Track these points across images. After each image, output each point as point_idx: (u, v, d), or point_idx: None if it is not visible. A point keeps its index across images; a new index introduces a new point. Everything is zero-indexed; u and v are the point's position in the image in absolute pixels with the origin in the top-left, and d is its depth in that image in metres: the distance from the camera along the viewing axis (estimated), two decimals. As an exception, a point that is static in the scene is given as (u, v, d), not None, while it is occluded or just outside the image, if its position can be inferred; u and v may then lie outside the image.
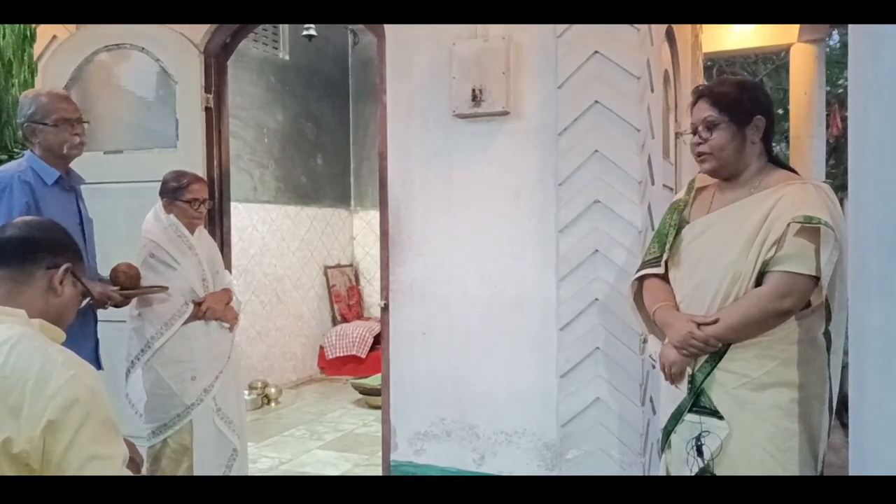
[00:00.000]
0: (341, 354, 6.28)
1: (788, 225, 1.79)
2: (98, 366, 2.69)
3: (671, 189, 3.94)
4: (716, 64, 8.58)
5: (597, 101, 2.74)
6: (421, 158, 3.11)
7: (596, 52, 2.73)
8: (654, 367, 2.92)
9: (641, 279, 2.10)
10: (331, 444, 4.35)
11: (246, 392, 5.38)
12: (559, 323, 2.85)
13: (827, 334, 1.87)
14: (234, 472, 3.12)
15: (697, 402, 1.90)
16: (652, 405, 2.92)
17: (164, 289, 2.89)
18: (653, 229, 2.91)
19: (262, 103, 5.76)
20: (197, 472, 2.98)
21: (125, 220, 3.54)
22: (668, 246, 2.00)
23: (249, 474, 3.80)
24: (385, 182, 3.20)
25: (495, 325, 3.01)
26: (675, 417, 1.95)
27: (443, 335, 3.10)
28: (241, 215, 5.53)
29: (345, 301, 6.73)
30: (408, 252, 3.16)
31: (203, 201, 3.00)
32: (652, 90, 2.90)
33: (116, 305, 2.80)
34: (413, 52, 3.08)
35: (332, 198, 6.63)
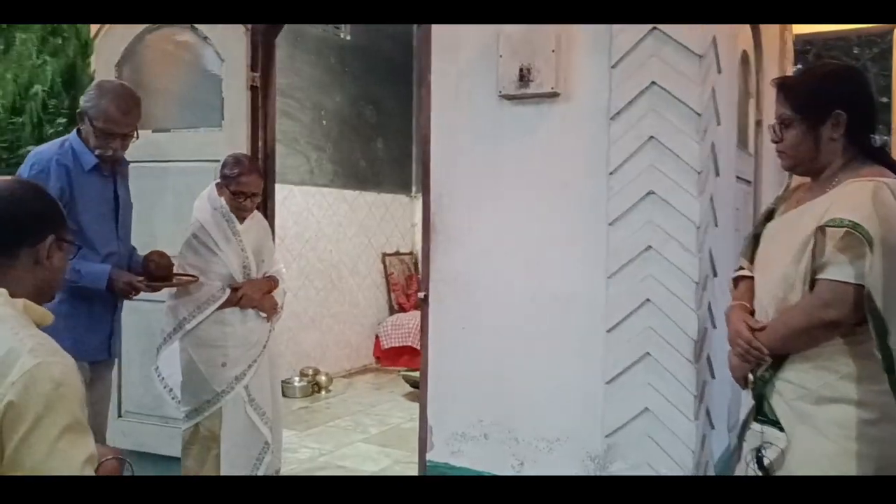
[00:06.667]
0: (396, 345, 6.15)
1: (824, 228, 1.66)
2: (108, 354, 2.64)
3: (748, 182, 3.63)
4: (813, 48, 8.01)
5: (654, 82, 2.48)
6: (465, 143, 2.92)
7: (654, 27, 2.47)
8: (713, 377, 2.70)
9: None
10: (374, 438, 4.24)
11: (296, 379, 5.35)
12: (607, 324, 2.62)
13: (886, 351, 1.63)
14: (264, 467, 3.04)
15: (760, 411, 1.81)
16: (709, 420, 2.66)
17: (195, 279, 2.82)
18: (716, 224, 2.66)
19: (321, 84, 5.67)
20: (224, 463, 2.92)
21: (172, 198, 3.53)
22: (750, 247, 1.95)
23: (289, 465, 3.74)
24: (428, 167, 3.03)
25: (539, 323, 2.80)
26: (744, 425, 1.87)
27: (484, 331, 2.91)
28: (297, 199, 5.48)
29: (402, 290, 6.61)
30: (450, 241, 2.98)
31: (250, 196, 2.91)
32: (719, 71, 2.62)
33: (151, 291, 2.77)
34: (459, 29, 2.88)
35: (393, 183, 6.51)
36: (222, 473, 2.93)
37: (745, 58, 3.40)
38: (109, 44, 3.71)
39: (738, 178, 3.35)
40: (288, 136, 5.37)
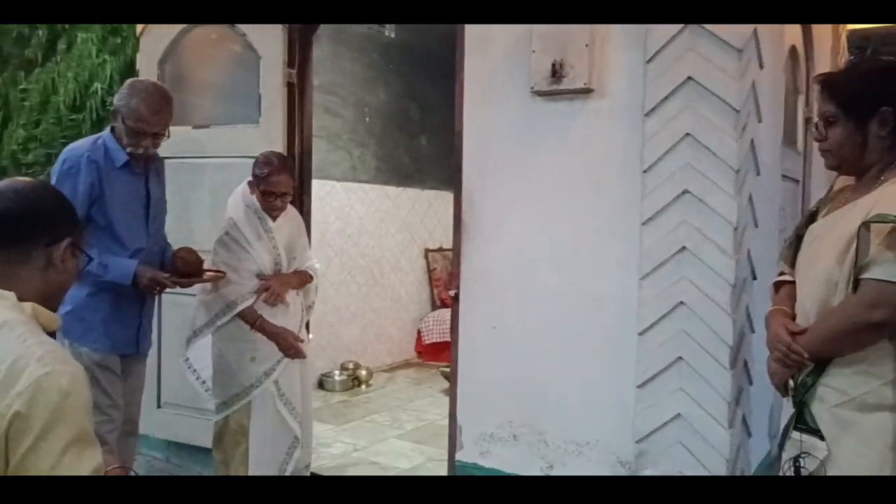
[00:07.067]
0: (438, 340, 6.12)
1: (868, 225, 1.59)
2: (136, 350, 2.68)
3: (796, 181, 3.50)
4: (870, 44, 7.67)
5: (690, 78, 2.39)
6: (497, 139, 2.87)
7: (691, 19, 2.38)
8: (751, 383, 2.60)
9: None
10: (409, 434, 4.23)
11: (336, 373, 5.39)
12: (639, 326, 2.54)
13: None
14: (293, 461, 3.05)
15: (801, 419, 1.74)
16: (747, 427, 2.57)
17: (222, 275, 2.85)
18: (755, 225, 2.56)
19: (364, 81, 5.67)
20: (252, 458, 2.94)
21: (209, 194, 3.57)
22: (791, 250, 1.89)
23: (322, 460, 3.76)
24: (460, 163, 2.99)
25: (570, 324, 2.74)
26: (784, 432, 1.80)
27: (514, 331, 2.86)
28: (339, 195, 5.50)
29: (445, 285, 6.57)
30: (481, 239, 2.94)
31: (280, 195, 2.91)
32: (761, 66, 2.51)
33: (181, 287, 2.81)
34: (492, 25, 2.83)
35: (437, 179, 6.48)
36: (250, 467, 2.95)
37: (793, 53, 3.26)
38: (152, 41, 3.78)
39: (784, 176, 3.22)
40: (331, 132, 5.40)
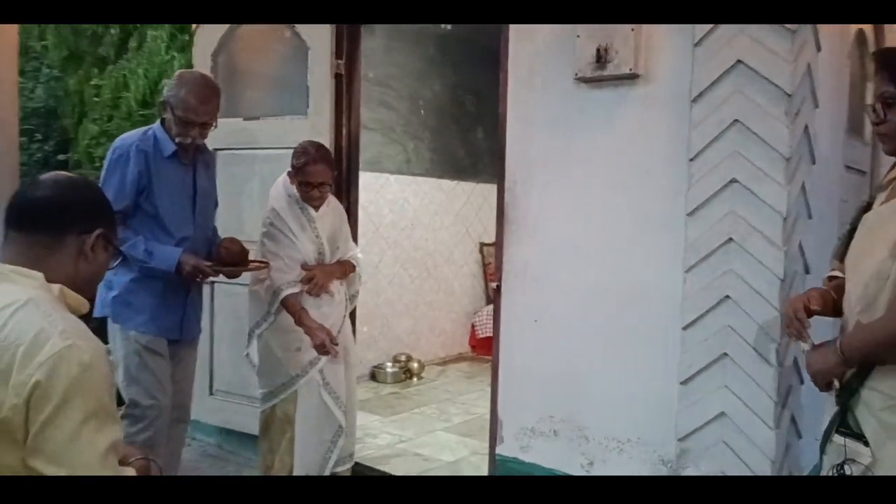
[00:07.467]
0: (491, 334, 6.09)
1: None
2: (180, 335, 2.73)
3: (862, 173, 3.31)
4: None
5: (739, 61, 2.29)
6: (540, 128, 2.82)
7: (741, -1, 2.27)
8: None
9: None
10: (456, 427, 4.21)
11: (388, 364, 5.41)
12: (683, 321, 2.45)
13: None
14: (337, 450, 3.07)
15: (844, 422, 1.65)
16: (796, 428, 2.45)
17: (265, 265, 2.87)
18: (809, 216, 2.43)
19: (419, 74, 5.66)
20: (297, 446, 2.97)
21: (259, 185, 3.63)
22: (843, 246, 1.80)
23: (367, 450, 3.78)
24: (503, 153, 2.95)
25: (613, 318, 2.66)
26: (826, 435, 1.71)
27: (556, 324, 2.81)
28: (393, 188, 5.51)
29: (500, 280, 6.54)
30: (523, 231, 2.89)
31: (317, 185, 2.90)
32: (818, 48, 2.38)
33: (229, 277, 2.89)
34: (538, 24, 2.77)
35: (492, 173, 6.40)
36: (296, 455, 2.98)
37: (861, 37, 3.08)
38: (206, 34, 3.86)
39: (849, 168, 3.06)
40: (385, 125, 5.41)
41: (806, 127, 2.34)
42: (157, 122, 2.70)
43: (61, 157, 5.97)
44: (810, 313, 1.73)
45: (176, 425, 2.84)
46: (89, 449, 1.19)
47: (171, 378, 2.74)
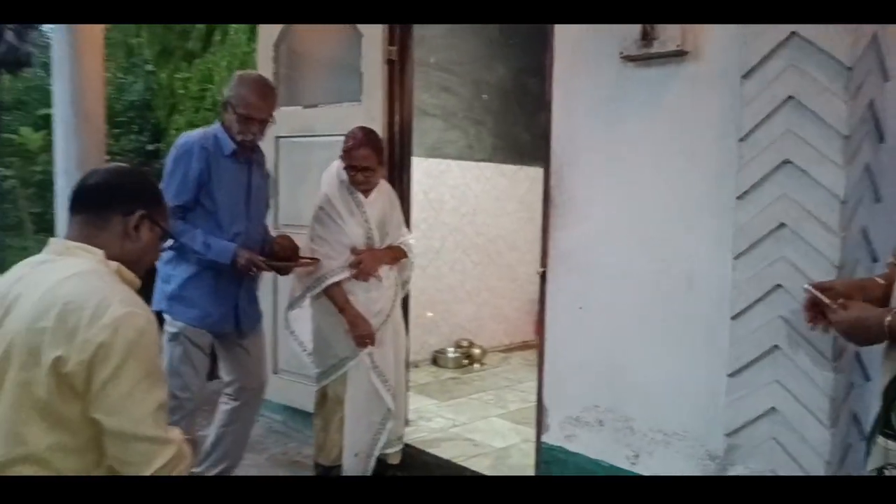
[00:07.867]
0: (557, 321, 6.01)
1: None
2: (234, 326, 2.80)
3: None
4: None
5: (794, 33, 2.13)
6: (586, 110, 2.73)
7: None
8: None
9: None
10: (511, 414, 4.18)
11: (450, 349, 5.41)
12: (732, 310, 2.32)
13: None
14: (386, 432, 3.10)
15: (888, 423, 1.54)
16: (859, 429, 2.29)
17: (315, 261, 2.93)
18: (878, 200, 2.26)
19: (482, 58, 5.58)
20: (347, 426, 3.02)
21: (317, 172, 3.64)
22: None
23: (419, 433, 3.79)
24: (549, 135, 2.87)
25: (659, 306, 2.56)
26: (870, 436, 1.66)
27: (601, 312, 2.72)
28: (454, 173, 5.48)
29: (566, 266, 6.42)
30: (568, 215, 2.81)
31: (361, 169, 2.93)
32: (885, 16, 2.19)
33: (279, 272, 2.99)
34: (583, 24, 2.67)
35: (558, 157, 6.31)
36: (346, 435, 3.03)
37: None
38: (269, 26, 3.92)
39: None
40: (446, 110, 5.37)
41: (871, 102, 2.16)
42: (217, 122, 2.79)
43: (150, 147, 6.22)
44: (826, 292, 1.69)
45: (247, 405, 2.96)
46: (142, 405, 1.35)
47: (242, 364, 2.90)
